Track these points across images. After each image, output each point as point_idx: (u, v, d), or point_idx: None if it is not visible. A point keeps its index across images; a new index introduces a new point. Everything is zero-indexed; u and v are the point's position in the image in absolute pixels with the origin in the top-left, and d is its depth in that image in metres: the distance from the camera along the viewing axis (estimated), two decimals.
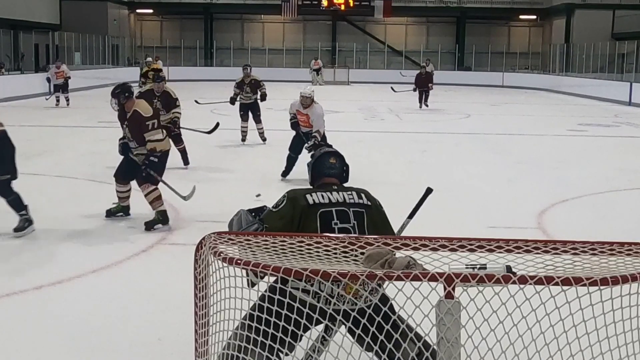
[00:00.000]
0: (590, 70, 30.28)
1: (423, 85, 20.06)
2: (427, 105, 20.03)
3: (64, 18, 32.60)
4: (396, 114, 18.94)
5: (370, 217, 3.03)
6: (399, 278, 1.93)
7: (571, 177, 9.57)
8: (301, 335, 2.26)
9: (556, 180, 9.31)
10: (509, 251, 2.19)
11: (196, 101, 14.19)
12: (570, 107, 22.72)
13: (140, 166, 6.33)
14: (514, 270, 2.02)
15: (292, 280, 2.05)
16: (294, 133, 8.85)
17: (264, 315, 2.24)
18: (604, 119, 18.50)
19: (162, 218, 6.33)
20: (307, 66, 32.96)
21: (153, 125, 6.25)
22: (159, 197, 6.34)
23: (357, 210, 3.01)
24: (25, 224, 6.10)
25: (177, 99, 9.41)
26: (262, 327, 2.31)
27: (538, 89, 30.76)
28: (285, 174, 8.73)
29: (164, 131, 6.72)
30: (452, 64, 37.07)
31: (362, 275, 1.95)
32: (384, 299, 2.62)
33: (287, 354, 2.40)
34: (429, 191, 3.59)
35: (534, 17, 38.30)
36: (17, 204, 6.09)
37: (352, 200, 3.04)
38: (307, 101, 8.54)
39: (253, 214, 3.01)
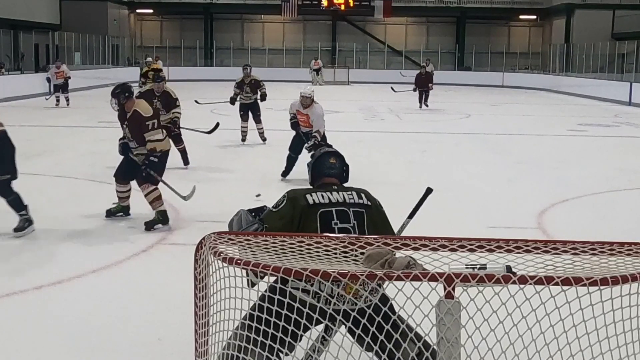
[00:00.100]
0: (590, 70, 30.28)
1: (423, 85, 20.06)
2: (427, 106, 20.03)
3: (64, 18, 32.60)
4: (396, 114, 18.94)
5: (370, 217, 3.03)
6: (399, 278, 1.93)
7: (571, 177, 9.57)
8: (301, 336, 2.26)
9: (556, 180, 9.31)
10: (509, 251, 2.19)
11: (196, 101, 14.19)
12: (570, 107, 22.72)
13: (140, 166, 6.33)
14: (514, 270, 2.02)
15: (292, 280, 2.05)
16: (294, 133, 8.85)
17: (264, 315, 2.24)
18: (604, 119, 18.50)
19: (162, 218, 6.32)
20: (307, 66, 32.95)
21: (153, 125, 6.24)
22: (159, 197, 6.33)
23: (357, 210, 3.01)
24: (25, 224, 6.10)
25: (177, 99, 9.40)
26: (262, 327, 2.31)
27: (538, 89, 30.76)
28: (285, 174, 8.73)
29: (164, 131, 6.71)
30: (452, 64, 37.07)
31: (362, 275, 1.95)
32: (384, 299, 2.62)
33: (287, 354, 2.40)
34: (429, 191, 3.59)
35: (534, 17, 38.30)
36: (17, 204, 6.09)
37: (352, 200, 3.04)
38: (307, 101, 8.53)
39: (253, 214, 3.01)
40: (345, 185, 3.26)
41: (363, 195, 3.10)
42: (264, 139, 11.98)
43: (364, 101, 23.02)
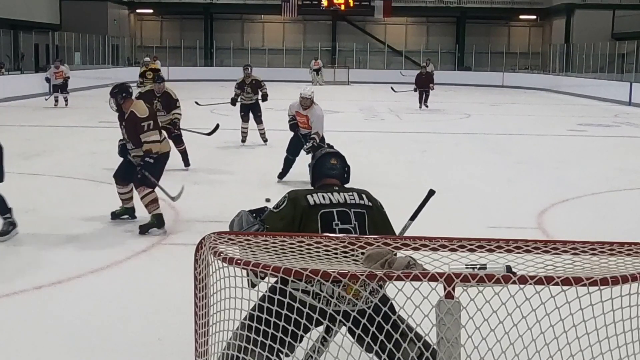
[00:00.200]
0: (590, 70, 30.29)
1: (423, 85, 20.05)
2: (426, 106, 20.02)
3: (64, 18, 32.60)
4: (396, 114, 18.94)
5: (371, 218, 3.03)
6: (399, 278, 1.93)
7: (571, 177, 9.57)
8: (301, 336, 2.26)
9: (556, 180, 9.31)
10: (509, 251, 2.19)
11: (196, 102, 14.13)
12: (570, 107, 22.72)
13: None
14: (514, 270, 2.02)
15: (292, 281, 2.05)
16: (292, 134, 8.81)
17: (264, 316, 2.24)
18: (604, 119, 18.51)
19: (157, 222, 6.22)
20: (307, 66, 32.96)
21: (149, 126, 6.14)
22: (155, 200, 6.22)
23: (358, 211, 3.01)
24: (9, 227, 5.98)
25: (177, 100, 9.36)
26: (262, 327, 2.31)
27: (538, 89, 30.76)
28: (281, 175, 8.66)
29: (164, 133, 6.68)
30: (452, 64, 37.07)
31: (362, 275, 1.95)
32: (384, 299, 2.62)
33: (287, 355, 2.40)
34: (431, 193, 3.57)
35: (534, 17, 38.31)
36: (1, 207, 5.98)
37: (353, 201, 3.04)
38: (307, 102, 8.43)
39: (254, 214, 3.01)
40: (346, 186, 3.26)
41: (364, 196, 3.10)
42: (265, 140, 11.91)
43: (364, 101, 23.02)
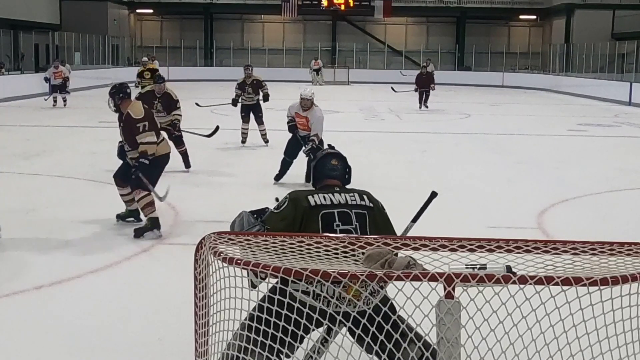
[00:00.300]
0: (590, 70, 30.29)
1: (424, 85, 20.02)
2: (426, 107, 20.00)
3: (64, 18, 32.61)
4: (396, 114, 18.94)
5: (372, 218, 3.02)
6: (399, 278, 1.93)
7: (571, 177, 9.57)
8: (302, 336, 2.26)
9: (556, 180, 9.31)
10: (509, 251, 2.19)
11: (197, 104, 14.05)
12: (570, 107, 22.73)
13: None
14: (514, 270, 2.02)
15: (292, 282, 2.04)
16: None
17: (265, 316, 2.25)
18: (604, 119, 18.51)
19: (152, 225, 6.12)
20: (307, 66, 32.96)
21: (144, 127, 6.06)
22: (151, 204, 6.13)
23: (359, 212, 3.01)
24: None
25: (178, 101, 9.30)
26: (262, 328, 2.31)
27: (538, 89, 30.76)
28: (278, 177, 8.57)
29: (163, 134, 6.63)
30: (452, 64, 37.08)
31: (362, 275, 1.95)
32: (384, 299, 2.62)
33: (287, 355, 2.40)
34: (433, 195, 3.55)
35: (534, 17, 38.31)
36: None
37: (354, 202, 3.04)
38: (307, 103, 8.32)
39: (255, 215, 3.01)
40: (347, 187, 3.26)
41: (365, 197, 3.10)
42: (266, 141, 11.80)
43: (364, 101, 23.02)
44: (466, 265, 2.04)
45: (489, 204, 7.70)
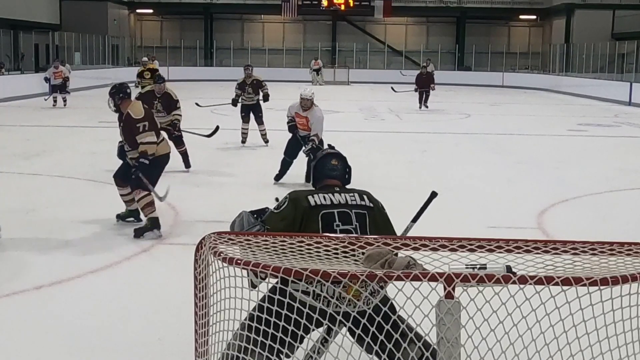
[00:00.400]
0: (590, 70, 30.29)
1: (424, 85, 20.01)
2: (426, 107, 19.99)
3: (64, 18, 32.61)
4: (396, 114, 18.94)
5: (372, 219, 3.02)
6: (399, 278, 1.93)
7: (571, 177, 9.57)
8: (302, 337, 2.26)
9: (556, 180, 9.31)
10: (509, 251, 2.19)
11: (197, 104, 14.03)
12: (570, 107, 22.73)
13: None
14: (514, 270, 2.02)
15: (292, 282, 2.04)
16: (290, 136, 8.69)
17: (265, 316, 2.25)
18: (604, 119, 18.51)
19: (151, 225, 6.11)
20: (307, 66, 32.96)
21: (144, 127, 6.04)
22: (151, 204, 6.12)
23: (359, 212, 3.01)
24: None
25: (178, 101, 9.27)
26: (262, 328, 2.31)
27: (538, 89, 30.76)
28: (278, 177, 8.55)
29: (163, 134, 6.61)
30: (452, 64, 37.08)
31: (362, 275, 1.95)
32: (384, 299, 2.62)
33: (287, 355, 2.40)
34: (433, 195, 3.54)
35: (534, 17, 38.31)
36: None
37: (354, 202, 3.03)
38: (307, 103, 8.29)
39: (255, 215, 3.01)
40: (348, 187, 3.26)
41: (365, 197, 3.10)
42: (267, 141, 11.78)
43: (364, 101, 23.02)
44: (466, 265, 2.04)
45: (489, 204, 7.70)
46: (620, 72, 28.64)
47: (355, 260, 2.24)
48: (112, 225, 6.52)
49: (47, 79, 19.12)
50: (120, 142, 6.47)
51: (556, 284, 1.84)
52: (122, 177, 6.42)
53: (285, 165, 8.57)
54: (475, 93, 28.22)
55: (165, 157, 6.42)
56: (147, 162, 6.05)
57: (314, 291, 2.45)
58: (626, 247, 2.21)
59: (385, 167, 10.16)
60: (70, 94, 19.47)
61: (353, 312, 2.34)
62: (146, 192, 6.10)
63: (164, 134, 6.98)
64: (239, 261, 2.05)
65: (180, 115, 9.36)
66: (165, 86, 9.31)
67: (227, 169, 9.84)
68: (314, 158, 3.43)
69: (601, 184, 8.98)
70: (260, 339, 2.30)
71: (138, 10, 38.77)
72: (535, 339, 2.00)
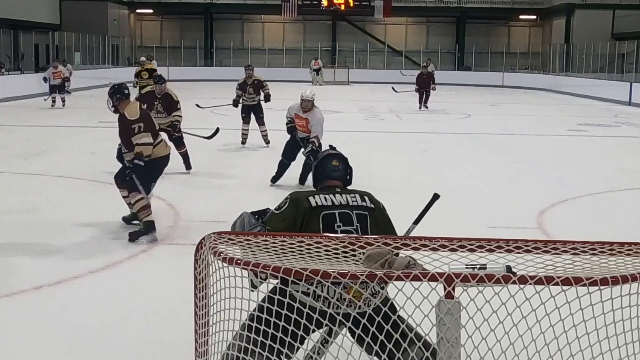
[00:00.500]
0: (590, 70, 30.29)
1: (424, 85, 20.00)
2: (426, 107, 19.98)
3: (64, 18, 32.61)
4: (396, 114, 18.94)
5: (373, 219, 3.02)
6: (399, 278, 1.93)
7: (571, 177, 9.57)
8: (302, 337, 2.26)
9: (556, 180, 9.31)
10: (509, 251, 2.19)
11: (197, 105, 13.99)
12: (570, 107, 22.72)
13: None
14: (514, 270, 2.02)
15: (292, 282, 2.04)
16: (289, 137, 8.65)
17: (266, 316, 2.25)
18: (604, 119, 18.51)
19: (146, 229, 6.01)
20: (307, 66, 32.96)
21: (139, 128, 5.96)
22: (147, 207, 6.04)
23: (360, 213, 3.01)
24: None
25: (178, 102, 9.19)
26: (263, 328, 2.31)
27: (538, 89, 30.76)
28: (275, 179, 8.45)
29: (162, 135, 6.56)
30: (452, 64, 37.07)
31: (362, 275, 1.95)
32: (385, 299, 2.62)
33: (287, 356, 2.40)
34: (435, 197, 3.54)
35: (534, 17, 38.31)
36: None
37: (355, 203, 3.03)
38: (308, 104, 8.21)
39: (256, 216, 3.01)
40: (349, 187, 3.25)
41: (366, 198, 3.09)
42: (267, 142, 11.69)
43: (364, 101, 23.02)
44: (466, 265, 2.04)
45: (489, 204, 7.70)
46: (620, 72, 28.64)
47: (356, 260, 2.24)
48: (112, 225, 6.51)
49: (46, 79, 19.10)
50: (120, 143, 6.44)
51: (556, 284, 1.84)
52: (122, 178, 6.37)
53: (283, 167, 8.47)
54: (475, 93, 28.22)
55: (164, 160, 6.34)
56: (142, 163, 5.95)
57: (314, 292, 2.45)
58: (626, 247, 2.21)
59: (385, 167, 10.16)
60: (71, 94, 19.44)
61: (353, 312, 2.34)
62: (141, 196, 6.03)
63: (164, 135, 6.95)
64: (239, 261, 2.05)
65: (181, 117, 9.26)
66: (165, 87, 9.20)
67: (228, 170, 9.81)
68: (314, 160, 3.43)
69: (601, 184, 8.98)
70: (260, 339, 2.29)
71: (138, 10, 38.77)
72: (535, 339, 2.00)
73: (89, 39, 31.62)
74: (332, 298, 2.50)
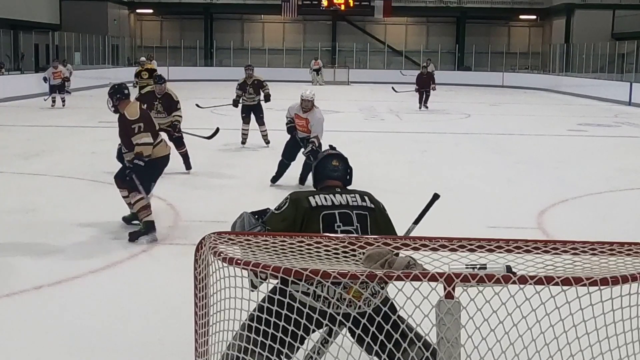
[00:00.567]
0: (590, 70, 30.29)
1: (424, 85, 20.00)
2: (426, 107, 19.97)
3: (64, 18, 32.61)
4: (396, 114, 18.94)
5: (373, 219, 3.02)
6: (399, 278, 1.93)
7: (571, 177, 9.57)
8: (302, 337, 2.26)
9: (556, 180, 9.31)
10: (509, 251, 2.19)
11: (197, 105, 13.98)
12: (570, 107, 22.72)
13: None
14: (514, 270, 2.02)
15: (292, 282, 2.04)
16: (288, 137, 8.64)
17: (266, 316, 2.25)
18: (604, 119, 18.51)
19: (146, 229, 6.00)
20: (307, 66, 32.96)
21: (139, 128, 5.95)
22: (147, 207, 6.03)
23: (360, 213, 3.00)
24: None
25: (178, 102, 9.17)
26: (263, 328, 2.31)
27: (538, 89, 30.76)
28: (275, 179, 8.44)
29: (162, 136, 6.56)
30: (452, 64, 37.07)
31: (362, 275, 1.95)
32: (385, 299, 2.62)
33: (287, 356, 2.40)
34: (435, 197, 3.54)
35: (534, 17, 38.31)
36: None
37: (355, 203, 3.03)
38: (308, 104, 8.20)
39: (256, 216, 3.01)
40: (349, 188, 3.25)
41: (366, 198, 3.09)
42: (268, 142, 11.67)
43: (364, 101, 23.02)
44: (466, 265, 2.04)
45: (489, 204, 7.70)
46: (620, 72, 28.64)
47: (356, 260, 2.24)
48: (112, 225, 6.51)
49: (45, 79, 19.09)
50: (120, 143, 6.44)
51: (556, 284, 1.84)
52: (123, 179, 6.37)
53: (283, 167, 8.46)
54: (475, 93, 28.22)
55: (164, 160, 6.33)
56: (142, 163, 5.94)
57: (314, 292, 2.45)
58: (626, 247, 2.21)
59: (385, 167, 10.16)
60: (72, 94, 19.42)
61: (353, 312, 2.34)
62: (141, 196, 6.02)
63: (164, 135, 6.94)
64: (238, 261, 2.05)
65: (181, 117, 9.25)
66: (166, 87, 9.18)
67: (228, 170, 9.80)
68: (314, 160, 3.42)
69: (601, 184, 8.98)
70: (260, 339, 2.29)
71: (138, 10, 38.77)
72: (535, 339, 2.00)
73: (89, 39, 31.62)
74: (332, 298, 2.50)
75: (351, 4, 36.21)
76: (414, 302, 2.00)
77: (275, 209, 3.03)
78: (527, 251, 2.21)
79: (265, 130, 11.81)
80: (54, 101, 18.81)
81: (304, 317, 2.21)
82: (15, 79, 23.55)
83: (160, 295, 4.71)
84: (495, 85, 32.69)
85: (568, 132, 15.42)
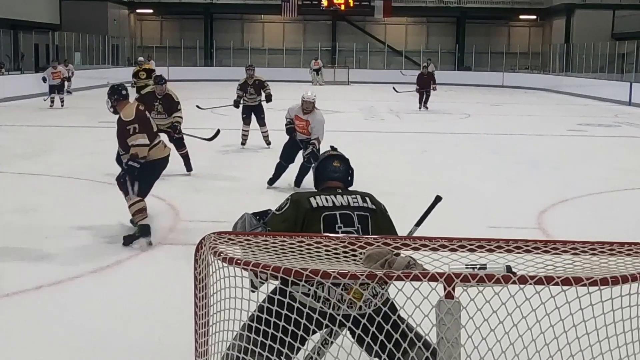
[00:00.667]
0: (590, 70, 30.30)
1: (424, 85, 19.99)
2: (426, 108, 19.97)
3: (64, 18, 32.62)
4: (396, 114, 18.94)
5: (374, 221, 3.02)
6: (399, 278, 1.93)
7: (571, 177, 9.57)
8: (302, 338, 2.26)
9: (556, 180, 9.31)
10: (509, 251, 2.19)
11: (198, 106, 13.94)
12: (570, 107, 22.73)
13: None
14: (514, 270, 2.02)
15: (293, 283, 2.04)
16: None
17: (266, 317, 2.25)
18: (604, 119, 18.51)
19: (141, 233, 5.92)
20: (307, 66, 32.97)
21: (134, 129, 5.85)
22: (142, 210, 5.93)
23: (362, 214, 3.00)
24: None
25: (179, 103, 9.09)
26: (263, 328, 2.31)
27: (538, 89, 30.77)
28: (272, 182, 8.36)
29: (160, 137, 6.51)
30: (452, 64, 37.07)
31: (362, 275, 1.95)
32: (385, 299, 2.62)
33: (287, 356, 2.40)
34: (437, 199, 3.53)
35: (534, 17, 38.32)
36: None
37: (356, 204, 3.03)
38: (309, 106, 8.13)
39: (257, 217, 3.01)
40: (350, 189, 3.25)
41: (368, 199, 3.09)
42: (269, 143, 11.56)
43: (364, 101, 23.02)
44: (466, 265, 2.04)
45: (489, 204, 7.70)
46: (620, 72, 28.65)
47: (356, 260, 2.24)
48: (112, 225, 6.51)
49: (44, 79, 19.07)
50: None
51: (556, 284, 1.84)
52: None
53: (280, 169, 8.37)
54: (475, 93, 28.23)
55: (162, 162, 6.22)
56: (136, 165, 5.83)
57: (314, 292, 2.45)
58: (626, 247, 2.21)
59: (386, 167, 10.15)
60: (72, 94, 19.41)
61: (353, 313, 2.34)
62: (137, 199, 5.94)
63: (164, 136, 6.90)
64: (239, 261, 2.05)
65: (181, 117, 9.15)
66: (166, 87, 9.09)
67: (229, 171, 9.78)
68: (315, 162, 3.42)
69: (601, 184, 8.98)
70: (260, 339, 2.29)
71: (138, 10, 38.77)
72: (535, 339, 2.00)
73: (89, 39, 31.63)
74: (333, 299, 2.50)
75: (351, 4, 36.23)
76: (414, 302, 2.00)
77: (276, 210, 3.03)
78: (527, 251, 2.21)
79: (267, 131, 11.72)
80: (52, 101, 18.78)
81: (304, 318, 2.20)
82: (15, 79, 23.55)
83: (160, 295, 4.71)
84: (495, 85, 32.69)
85: (568, 132, 15.42)
